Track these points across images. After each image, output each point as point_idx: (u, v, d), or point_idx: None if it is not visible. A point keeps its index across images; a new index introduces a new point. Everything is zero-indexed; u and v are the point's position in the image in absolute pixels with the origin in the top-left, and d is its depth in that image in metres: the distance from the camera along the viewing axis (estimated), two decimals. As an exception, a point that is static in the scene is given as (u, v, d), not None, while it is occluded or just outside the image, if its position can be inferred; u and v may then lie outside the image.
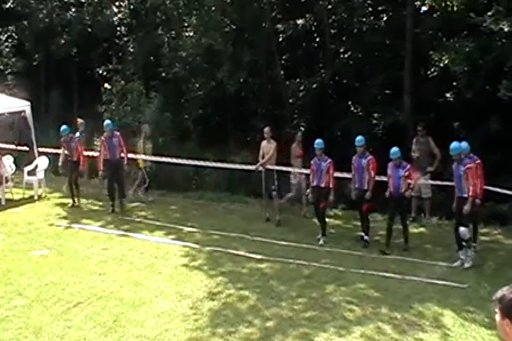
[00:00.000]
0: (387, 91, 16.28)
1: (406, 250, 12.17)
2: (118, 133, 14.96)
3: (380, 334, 8.94)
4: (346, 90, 16.10)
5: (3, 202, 15.75)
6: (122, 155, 14.85)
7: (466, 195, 11.11)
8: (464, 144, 11.60)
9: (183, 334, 9.20)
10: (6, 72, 21.81)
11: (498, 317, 4.01)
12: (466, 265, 11.10)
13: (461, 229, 11.05)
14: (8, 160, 16.77)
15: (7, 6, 21.42)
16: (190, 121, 17.92)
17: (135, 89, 18.47)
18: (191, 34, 18.25)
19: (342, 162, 13.38)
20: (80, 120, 16.80)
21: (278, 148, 14.40)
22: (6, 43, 21.85)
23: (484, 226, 13.25)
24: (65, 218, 14.96)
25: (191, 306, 9.98)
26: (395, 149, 12.08)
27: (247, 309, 9.88)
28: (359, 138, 12.71)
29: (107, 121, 15.12)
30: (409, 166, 12.23)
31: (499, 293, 4.06)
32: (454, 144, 11.31)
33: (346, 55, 16.94)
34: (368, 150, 12.76)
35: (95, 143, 17.67)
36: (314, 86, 16.55)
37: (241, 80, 16.81)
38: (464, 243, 11.16)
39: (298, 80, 17.13)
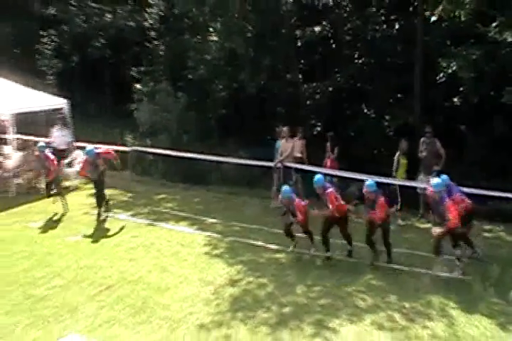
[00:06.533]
0: (398, 95, 16.16)
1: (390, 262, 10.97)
2: None
3: (390, 321, 8.90)
4: (360, 93, 15.99)
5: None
6: None
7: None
8: (444, 179, 10.91)
9: (206, 318, 9.21)
10: (47, 73, 21.91)
11: None
12: (458, 274, 10.36)
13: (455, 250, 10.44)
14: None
15: (49, 12, 21.55)
16: (212, 120, 17.87)
17: (163, 90, 18.46)
18: (215, 39, 18.19)
19: (355, 161, 13.35)
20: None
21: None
22: (48, 46, 21.94)
23: (488, 224, 13.08)
24: (97, 208, 14.96)
25: (213, 292, 10.00)
26: (371, 182, 10.88)
27: (264, 296, 9.86)
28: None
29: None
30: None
31: None
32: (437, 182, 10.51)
33: (360, 61, 16.83)
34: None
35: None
36: (330, 89, 16.47)
37: (261, 82, 16.75)
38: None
39: (314, 83, 17.04)
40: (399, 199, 13.24)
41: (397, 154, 13.68)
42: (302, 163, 14.70)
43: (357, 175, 13.42)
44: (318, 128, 15.19)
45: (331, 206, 10.89)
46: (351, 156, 13.68)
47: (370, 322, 8.86)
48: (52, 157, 14.67)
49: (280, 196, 11.47)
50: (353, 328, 8.33)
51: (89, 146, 14.38)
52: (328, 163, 14.63)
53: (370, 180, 11.04)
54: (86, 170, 14.29)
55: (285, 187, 11.54)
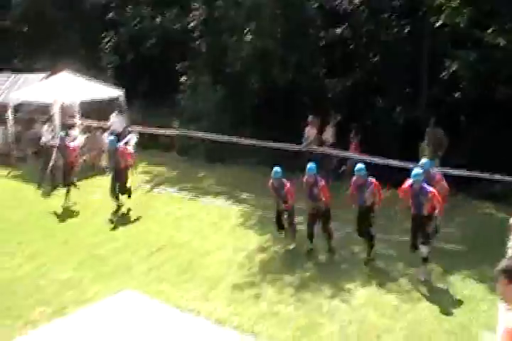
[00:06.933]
0: (407, 90, 15.93)
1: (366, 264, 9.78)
2: None
3: (396, 285, 8.93)
4: (374, 88, 15.77)
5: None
6: None
7: (425, 213, 8.96)
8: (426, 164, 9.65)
9: (239, 279, 9.34)
10: (107, 68, 22.05)
11: (502, 285, 3.89)
12: (422, 277, 9.10)
13: (423, 247, 9.05)
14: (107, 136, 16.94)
15: (110, 16, 21.77)
16: (247, 109, 17.75)
17: (204, 82, 18.38)
18: (249, 38, 18.00)
19: (372, 146, 13.30)
20: None
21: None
22: (108, 45, 22.06)
23: (479, 203, 12.84)
24: (148, 183, 15.13)
25: (246, 257, 10.09)
26: (361, 166, 9.62)
27: (290, 261, 9.92)
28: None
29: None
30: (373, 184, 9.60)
31: (502, 264, 3.94)
32: (416, 171, 9.01)
33: (375, 59, 16.59)
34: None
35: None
36: (348, 83, 16.29)
37: (289, 76, 16.58)
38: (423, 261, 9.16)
39: (336, 78, 16.84)
40: None
41: (423, 142, 13.36)
42: (334, 147, 14.58)
43: (380, 160, 13.30)
44: (339, 118, 15.07)
45: (324, 198, 9.80)
46: (368, 143, 13.65)
47: (380, 286, 8.89)
48: (72, 146, 13.75)
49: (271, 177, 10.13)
50: (366, 290, 8.35)
51: (111, 138, 13.46)
52: (353, 147, 14.47)
53: (360, 164, 9.67)
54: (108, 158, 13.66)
55: (276, 168, 10.10)
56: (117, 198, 12.82)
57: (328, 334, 7.63)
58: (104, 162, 16.29)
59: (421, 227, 9.04)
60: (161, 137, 18.00)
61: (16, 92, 17.82)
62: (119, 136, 16.88)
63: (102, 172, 15.52)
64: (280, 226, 10.51)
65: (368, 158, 13.14)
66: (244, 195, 13.79)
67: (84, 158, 16.28)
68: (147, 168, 16.47)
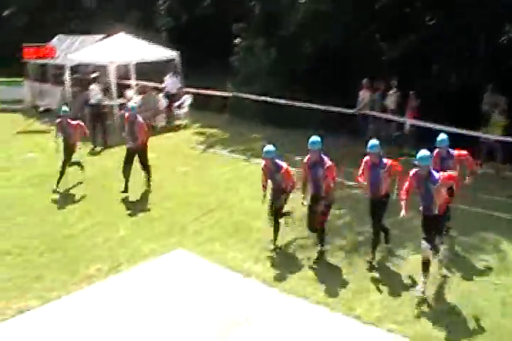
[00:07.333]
0: (463, 55, 15.04)
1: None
2: None
3: (451, 254, 8.53)
4: (430, 52, 14.94)
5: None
6: None
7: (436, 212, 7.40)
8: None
9: (290, 242, 9.13)
10: (162, 30, 21.82)
11: None
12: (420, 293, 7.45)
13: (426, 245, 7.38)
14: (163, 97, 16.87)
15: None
16: (299, 72, 17.25)
17: (258, 45, 17.95)
18: (304, 0, 17.33)
19: (426, 113, 12.79)
20: None
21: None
22: (162, 7, 21.78)
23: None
24: (202, 144, 14.99)
25: (297, 219, 9.78)
26: (374, 142, 8.01)
27: (342, 225, 9.68)
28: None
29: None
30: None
31: None
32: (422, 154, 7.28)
33: (431, 22, 15.72)
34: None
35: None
36: (403, 47, 15.50)
37: (343, 40, 15.94)
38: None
39: (390, 42, 16.04)
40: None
41: (494, 113, 12.40)
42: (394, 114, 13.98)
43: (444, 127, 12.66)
44: (395, 82, 14.41)
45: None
46: (420, 109, 13.10)
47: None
48: (74, 123, 11.79)
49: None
50: (417, 257, 7.99)
51: (133, 104, 11.84)
52: (410, 113, 13.86)
53: (373, 140, 8.08)
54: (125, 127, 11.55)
55: (268, 147, 8.66)
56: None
57: (379, 299, 7.40)
58: (159, 122, 16.27)
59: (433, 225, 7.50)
60: (215, 99, 17.76)
61: (73, 54, 17.82)
62: (174, 97, 16.83)
63: (157, 132, 15.39)
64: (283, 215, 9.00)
65: (425, 124, 12.60)
66: (297, 157, 13.45)
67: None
68: (200, 130, 16.33)
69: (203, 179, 12.18)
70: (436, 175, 7.27)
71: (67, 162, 11.84)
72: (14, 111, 18.79)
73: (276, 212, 8.81)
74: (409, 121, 13.56)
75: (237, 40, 18.45)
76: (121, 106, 15.81)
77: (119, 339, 6.76)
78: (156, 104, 16.44)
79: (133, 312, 7.27)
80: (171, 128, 16.36)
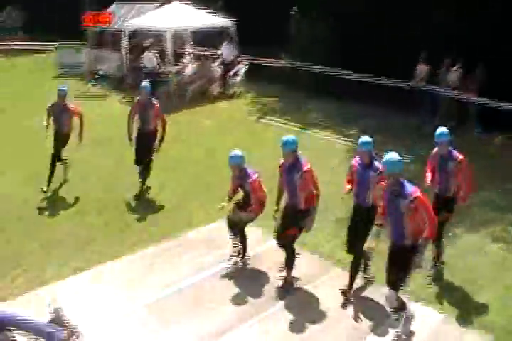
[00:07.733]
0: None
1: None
2: None
3: (504, 233, 8.32)
4: (497, 27, 14.11)
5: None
6: None
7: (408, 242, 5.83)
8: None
9: (344, 214, 8.88)
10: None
11: None
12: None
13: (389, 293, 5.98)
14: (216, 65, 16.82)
15: None
16: (357, 45, 16.67)
17: (314, 17, 17.48)
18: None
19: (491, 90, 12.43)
20: None
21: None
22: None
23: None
24: (256, 113, 14.94)
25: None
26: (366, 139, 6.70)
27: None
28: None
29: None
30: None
31: None
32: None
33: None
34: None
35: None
36: (461, 21, 14.73)
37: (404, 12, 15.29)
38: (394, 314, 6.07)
39: (446, 14, 15.21)
40: None
41: None
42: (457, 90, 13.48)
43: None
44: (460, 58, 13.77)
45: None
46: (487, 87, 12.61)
47: (486, 234, 8.35)
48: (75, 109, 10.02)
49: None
50: (471, 238, 7.83)
51: (146, 83, 9.88)
52: (472, 90, 13.29)
53: (365, 137, 6.69)
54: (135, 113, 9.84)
55: (234, 152, 7.32)
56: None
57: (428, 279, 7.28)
58: (214, 90, 16.27)
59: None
60: (269, 68, 17.54)
61: (130, 20, 17.89)
62: (229, 66, 16.74)
63: (212, 99, 15.34)
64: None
65: (488, 102, 12.16)
66: (349, 131, 13.29)
67: (194, 86, 16.26)
68: (255, 99, 16.24)
69: (255, 148, 11.90)
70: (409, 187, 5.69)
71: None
72: (74, 75, 19.08)
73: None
74: (472, 99, 13.08)
75: (293, 10, 18.08)
76: (177, 73, 15.86)
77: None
78: (211, 72, 16.40)
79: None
80: (225, 96, 16.34)
